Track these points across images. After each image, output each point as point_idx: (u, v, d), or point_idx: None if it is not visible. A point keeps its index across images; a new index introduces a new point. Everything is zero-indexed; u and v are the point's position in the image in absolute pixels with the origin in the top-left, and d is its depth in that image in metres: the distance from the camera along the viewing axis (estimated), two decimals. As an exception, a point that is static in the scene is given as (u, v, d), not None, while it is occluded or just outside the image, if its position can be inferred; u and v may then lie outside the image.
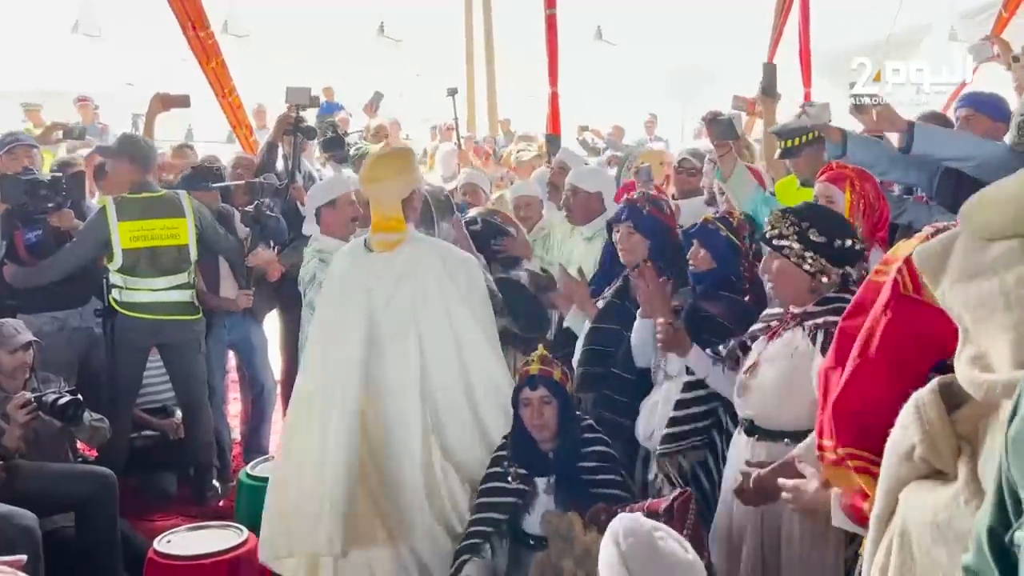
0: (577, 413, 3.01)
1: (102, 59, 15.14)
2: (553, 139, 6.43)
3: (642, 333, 3.11)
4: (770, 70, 4.42)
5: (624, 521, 1.84)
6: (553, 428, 2.91)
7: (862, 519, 1.93)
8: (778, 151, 3.82)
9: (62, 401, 3.41)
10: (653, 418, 3.06)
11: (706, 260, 2.99)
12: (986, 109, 3.45)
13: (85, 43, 15.64)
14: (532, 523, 2.88)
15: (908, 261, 1.79)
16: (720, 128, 3.64)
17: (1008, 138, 2.82)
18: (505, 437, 3.03)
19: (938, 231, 1.77)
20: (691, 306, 3.00)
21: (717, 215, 3.15)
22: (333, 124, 5.76)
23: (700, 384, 2.78)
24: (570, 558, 2.46)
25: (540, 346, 3.05)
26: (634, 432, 3.14)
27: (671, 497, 2.42)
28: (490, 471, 3.00)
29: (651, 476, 3.02)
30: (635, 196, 3.46)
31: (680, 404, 2.83)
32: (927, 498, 0.96)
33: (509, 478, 2.93)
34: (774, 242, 2.41)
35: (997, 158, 2.96)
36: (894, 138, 3.79)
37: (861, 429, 1.61)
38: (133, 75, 13.84)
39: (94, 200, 4.80)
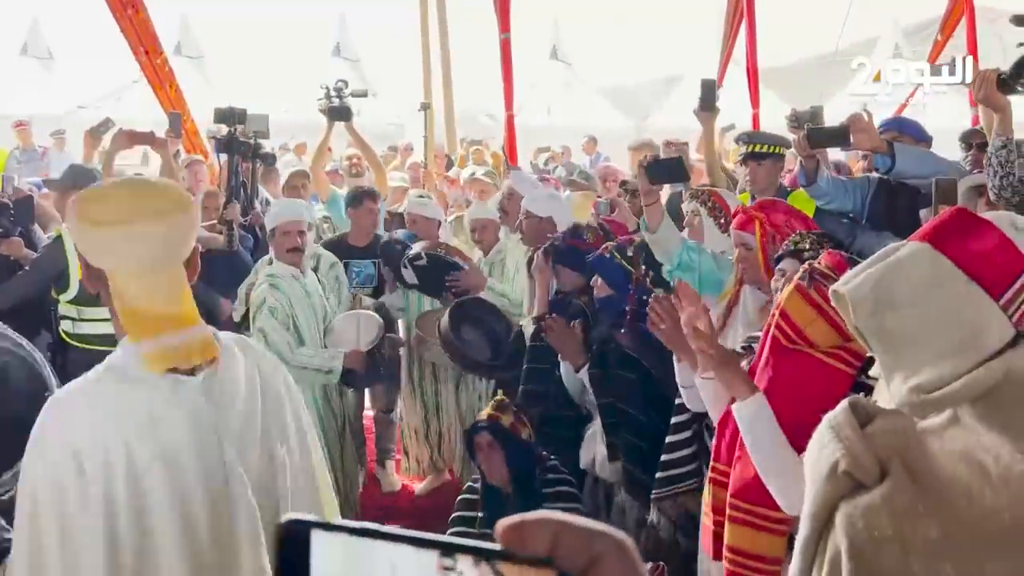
0: (543, 452, 3.06)
1: (52, 81, 14.92)
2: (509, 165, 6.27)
3: (567, 371, 3.19)
4: (707, 85, 4.46)
5: None
6: (503, 473, 2.97)
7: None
8: (742, 153, 3.71)
9: None
10: (593, 445, 3.12)
11: (604, 288, 3.06)
12: (910, 131, 3.59)
13: (35, 65, 15.40)
14: None
15: (784, 313, 1.87)
16: (655, 172, 3.06)
17: (989, 184, 2.74)
18: (473, 480, 3.10)
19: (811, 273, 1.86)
20: (601, 338, 3.04)
21: (615, 244, 3.17)
22: None
23: (686, 424, 2.68)
24: None
25: (499, 391, 3.10)
26: (577, 462, 3.18)
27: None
28: (457, 514, 3.06)
29: (651, 519, 2.89)
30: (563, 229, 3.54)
31: (669, 447, 2.72)
32: (865, 508, 1.01)
33: (476, 523, 2.99)
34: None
35: (956, 175, 3.07)
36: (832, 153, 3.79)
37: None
38: (84, 97, 13.63)
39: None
